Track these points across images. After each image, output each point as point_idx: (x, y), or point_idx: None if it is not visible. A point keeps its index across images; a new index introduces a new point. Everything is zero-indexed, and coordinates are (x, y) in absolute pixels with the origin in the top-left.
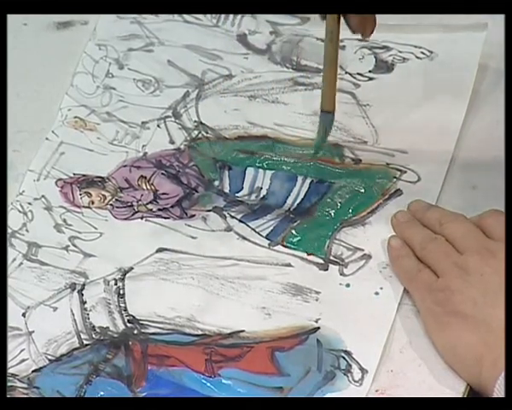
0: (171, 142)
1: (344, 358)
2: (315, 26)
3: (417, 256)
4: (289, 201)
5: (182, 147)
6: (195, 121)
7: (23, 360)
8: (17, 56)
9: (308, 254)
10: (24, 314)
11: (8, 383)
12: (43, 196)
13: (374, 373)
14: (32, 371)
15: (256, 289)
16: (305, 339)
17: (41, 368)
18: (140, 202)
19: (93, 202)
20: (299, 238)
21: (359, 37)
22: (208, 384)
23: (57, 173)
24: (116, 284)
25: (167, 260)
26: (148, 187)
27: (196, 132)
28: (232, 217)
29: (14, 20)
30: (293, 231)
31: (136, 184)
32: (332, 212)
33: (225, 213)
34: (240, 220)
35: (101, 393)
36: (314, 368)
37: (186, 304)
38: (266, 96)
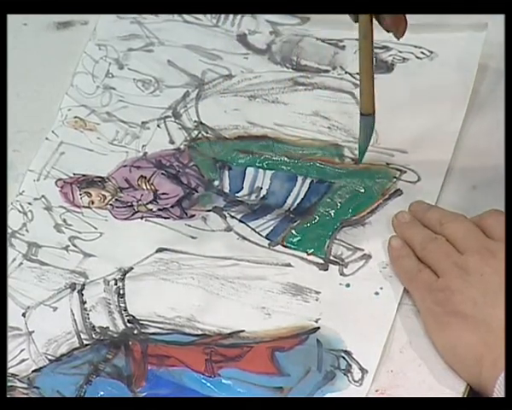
0: (171, 142)
1: (344, 358)
2: (315, 26)
3: (418, 256)
4: (289, 201)
5: (182, 147)
6: (195, 121)
7: (23, 360)
8: (17, 56)
9: (308, 254)
10: (24, 314)
11: (8, 383)
12: (43, 196)
13: (374, 373)
14: (32, 371)
15: (256, 289)
16: (305, 339)
17: (41, 368)
18: (140, 202)
19: (93, 202)
20: (299, 238)
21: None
22: (208, 384)
23: (57, 173)
24: (116, 284)
25: (167, 260)
26: (148, 187)
27: (196, 132)
28: (232, 217)
29: (14, 20)
30: (293, 231)
31: (136, 184)
32: (332, 212)
33: (225, 213)
34: (240, 220)
35: (101, 393)
36: (314, 368)
37: (186, 304)
38: (266, 96)
